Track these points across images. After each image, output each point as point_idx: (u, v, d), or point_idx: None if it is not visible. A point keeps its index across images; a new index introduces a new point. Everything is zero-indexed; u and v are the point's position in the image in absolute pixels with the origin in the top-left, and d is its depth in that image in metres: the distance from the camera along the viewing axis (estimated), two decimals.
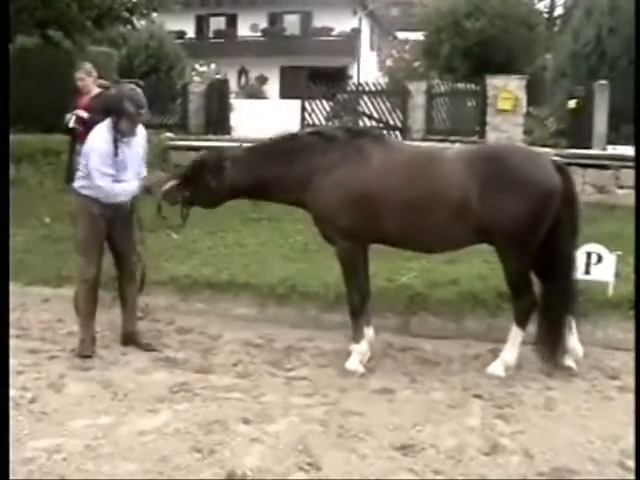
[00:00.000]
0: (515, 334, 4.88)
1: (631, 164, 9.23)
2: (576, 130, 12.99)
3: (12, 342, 5.20)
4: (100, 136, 4.90)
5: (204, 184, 4.86)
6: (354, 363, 4.90)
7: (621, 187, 9.58)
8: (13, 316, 5.81)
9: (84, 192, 4.98)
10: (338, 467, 3.60)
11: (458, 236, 4.79)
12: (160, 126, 13.49)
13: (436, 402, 4.46)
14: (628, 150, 11.81)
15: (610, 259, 5.78)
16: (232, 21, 32.26)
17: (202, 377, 4.71)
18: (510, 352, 4.90)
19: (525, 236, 4.66)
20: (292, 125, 12.64)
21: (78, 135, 7.06)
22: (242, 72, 25.51)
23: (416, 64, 20.37)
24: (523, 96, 12.86)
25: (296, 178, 4.82)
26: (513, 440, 3.96)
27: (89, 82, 7.45)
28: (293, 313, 5.82)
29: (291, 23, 32.08)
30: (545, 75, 17.20)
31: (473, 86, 14.44)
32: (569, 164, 9.50)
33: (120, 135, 4.86)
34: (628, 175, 9.54)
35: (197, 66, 20.17)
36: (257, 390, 4.52)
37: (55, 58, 11.43)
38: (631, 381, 4.79)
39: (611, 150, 12.18)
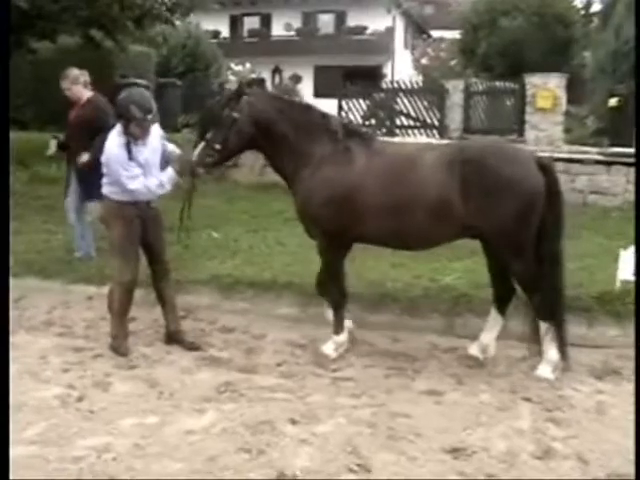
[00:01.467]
0: (546, 330, 4.79)
1: None
2: (617, 128, 12.75)
3: (56, 340, 5.34)
4: (114, 143, 4.89)
5: (225, 121, 4.79)
6: (329, 349, 5.06)
7: None
8: (56, 314, 5.93)
9: (114, 197, 5.01)
10: (388, 469, 3.56)
11: (440, 235, 4.86)
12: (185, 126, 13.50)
13: (484, 404, 4.39)
14: None
15: None
16: (266, 20, 32.39)
17: (247, 377, 4.69)
18: (551, 351, 4.81)
19: (515, 237, 4.64)
20: None
21: (69, 152, 6.93)
22: (276, 71, 25.52)
23: (452, 62, 20.17)
24: (563, 94, 12.63)
25: (293, 151, 4.89)
26: (565, 445, 3.88)
27: (77, 90, 6.81)
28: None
29: (325, 22, 32.07)
30: (584, 73, 16.92)
31: (511, 84, 14.23)
32: (612, 163, 9.45)
33: (133, 138, 4.87)
34: None
35: (232, 65, 20.23)
36: (303, 391, 4.49)
37: (95, 58, 11.50)
38: None
39: None
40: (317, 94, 28.18)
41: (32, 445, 3.65)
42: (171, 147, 5.23)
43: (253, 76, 20.97)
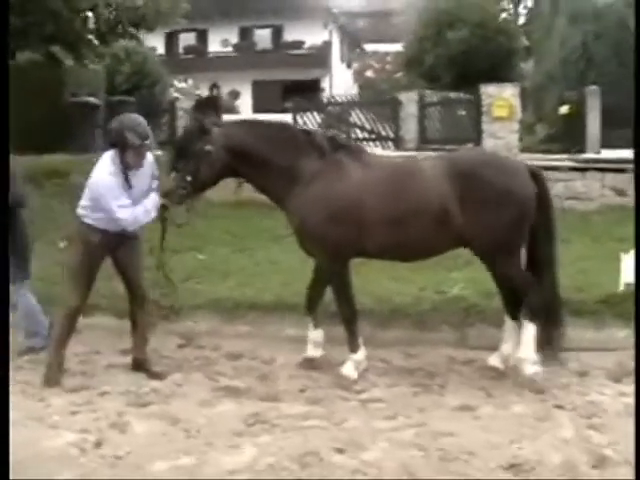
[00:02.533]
0: (529, 330, 4.79)
1: None
2: (569, 135, 13.06)
3: None
4: (105, 170, 4.64)
5: (198, 153, 4.64)
6: (350, 369, 4.93)
7: None
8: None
9: (86, 220, 4.76)
10: None
11: (438, 245, 4.90)
12: None
13: (522, 416, 4.30)
14: (623, 153, 11.92)
15: None
16: (202, 36, 32.00)
17: (272, 406, 4.44)
18: (530, 349, 4.79)
19: (508, 244, 4.76)
20: None
21: None
22: (214, 87, 25.19)
23: (398, 75, 20.34)
24: (517, 103, 12.87)
25: (279, 171, 4.79)
26: (614, 451, 3.80)
27: None
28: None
29: (262, 37, 31.88)
30: (524, 82, 17.30)
31: (464, 95, 14.42)
32: (587, 169, 9.68)
33: (126, 167, 4.64)
34: None
35: (176, 82, 19.85)
36: (335, 416, 4.28)
37: (48, 76, 10.98)
38: None
39: (605, 154, 12.28)
40: (256, 109, 27.98)
41: None
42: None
43: (198, 92, 20.68)
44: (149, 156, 4.84)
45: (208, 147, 4.65)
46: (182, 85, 20.23)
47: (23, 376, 4.90)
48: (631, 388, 4.66)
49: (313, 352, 5.19)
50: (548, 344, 4.89)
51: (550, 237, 4.92)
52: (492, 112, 12.81)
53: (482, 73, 16.80)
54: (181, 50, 32.18)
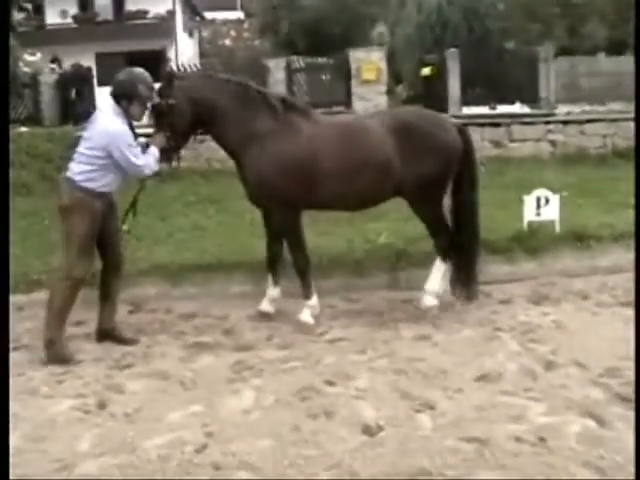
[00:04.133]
0: (438, 267, 5.48)
1: (518, 120, 10.39)
2: (431, 95, 14.03)
3: (14, 355, 4.85)
4: (114, 120, 4.68)
5: (165, 108, 4.87)
6: (307, 315, 5.30)
7: (513, 141, 10.70)
8: None
9: (88, 185, 4.71)
10: (443, 403, 3.88)
11: (383, 194, 5.40)
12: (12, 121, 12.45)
13: (471, 339, 4.91)
14: (481, 110, 13.10)
15: (555, 200, 6.55)
16: (39, 9, 30.02)
17: (250, 354, 4.73)
18: (435, 283, 5.47)
19: (436, 189, 5.38)
20: None
21: None
22: (54, 61, 23.86)
23: (256, 42, 20.47)
24: (384, 66, 13.61)
25: (236, 125, 5.06)
26: (558, 356, 4.49)
27: None
28: (288, 284, 5.87)
29: (103, 7, 30.45)
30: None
31: (329, 60, 14.94)
32: (468, 124, 10.52)
33: (132, 119, 4.80)
34: (518, 130, 10.76)
35: (26, 56, 18.68)
36: (312, 356, 4.65)
37: None
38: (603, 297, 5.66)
39: (466, 110, 13.39)
40: (100, 82, 26.88)
41: (100, 457, 3.42)
42: None
43: (52, 66, 19.62)
44: None
45: (171, 101, 4.87)
46: (32, 59, 19.04)
47: None
48: (550, 309, 5.48)
49: (268, 308, 5.49)
50: (469, 280, 5.55)
51: (473, 185, 5.53)
52: (361, 75, 13.46)
53: (336, 39, 17.42)
54: (15, 24, 29.96)
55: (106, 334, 5.07)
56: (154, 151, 4.85)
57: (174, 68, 19.85)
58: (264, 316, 5.46)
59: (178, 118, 4.92)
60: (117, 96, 4.74)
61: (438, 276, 5.47)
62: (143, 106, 4.80)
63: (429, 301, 5.45)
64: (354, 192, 5.23)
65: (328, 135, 5.22)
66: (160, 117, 4.93)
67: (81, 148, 4.78)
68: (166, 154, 4.97)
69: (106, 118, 4.71)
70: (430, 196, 5.34)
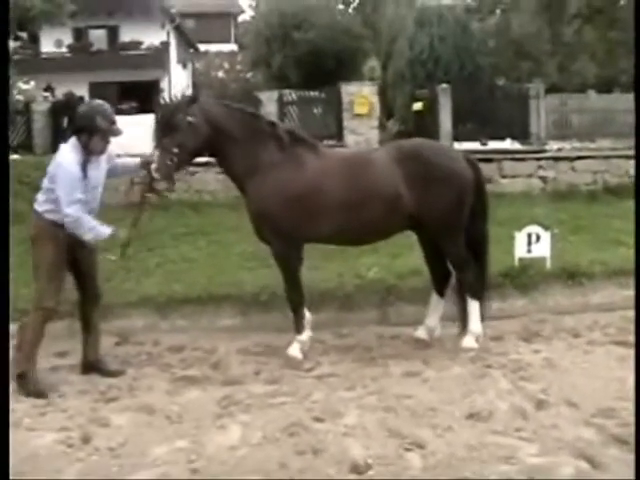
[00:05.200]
0: (473, 306, 5.41)
1: (510, 156, 10.46)
2: (422, 130, 14.14)
3: None
4: (68, 157, 4.61)
5: (182, 125, 4.80)
6: (295, 350, 5.23)
7: (504, 177, 10.78)
8: None
9: (49, 216, 4.68)
10: (434, 441, 3.82)
11: (391, 227, 5.33)
12: None
13: (461, 376, 4.84)
14: (472, 145, 13.20)
15: (546, 237, 6.56)
16: (34, 37, 30.21)
17: (237, 389, 4.66)
18: (476, 323, 5.41)
19: (452, 223, 5.28)
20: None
21: None
22: (48, 89, 23.98)
23: (248, 74, 20.65)
24: (376, 101, 13.75)
25: (245, 154, 5.04)
26: (548, 395, 4.42)
27: None
28: (279, 318, 5.84)
29: (98, 37, 30.74)
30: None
31: (320, 93, 15.08)
32: None
33: (90, 155, 4.65)
34: (509, 166, 10.84)
35: (21, 84, 18.76)
36: (300, 392, 4.58)
37: None
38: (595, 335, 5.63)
39: (457, 146, 13.49)
40: None
41: None
42: (129, 160, 5.03)
43: (46, 95, 19.68)
44: (109, 151, 4.87)
45: (191, 118, 4.81)
46: (26, 87, 19.14)
47: None
48: (541, 346, 5.44)
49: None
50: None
51: (484, 217, 5.48)
52: (353, 109, 13.58)
53: (328, 73, 17.61)
54: (11, 52, 30.16)
55: (91, 366, 5.00)
56: (102, 230, 4.66)
57: (167, 99, 19.91)
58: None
59: (192, 137, 4.86)
60: (77, 130, 4.67)
61: (477, 315, 5.37)
62: (104, 139, 4.68)
63: (470, 343, 5.34)
64: (359, 225, 5.16)
65: (332, 168, 5.18)
66: (172, 133, 4.82)
67: (45, 180, 4.76)
68: (166, 171, 4.82)
69: (62, 153, 4.65)
70: (448, 229, 5.25)
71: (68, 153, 4.62)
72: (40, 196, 4.75)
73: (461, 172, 5.24)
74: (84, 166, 4.61)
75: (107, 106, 4.79)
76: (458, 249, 5.35)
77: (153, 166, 4.79)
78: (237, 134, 5.03)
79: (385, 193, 5.08)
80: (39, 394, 4.56)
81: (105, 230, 4.67)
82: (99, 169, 4.77)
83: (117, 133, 4.76)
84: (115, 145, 4.96)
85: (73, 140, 4.66)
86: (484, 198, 5.48)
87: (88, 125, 4.59)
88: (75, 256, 4.82)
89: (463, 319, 5.52)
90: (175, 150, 4.81)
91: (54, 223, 4.65)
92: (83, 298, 5.01)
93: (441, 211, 5.15)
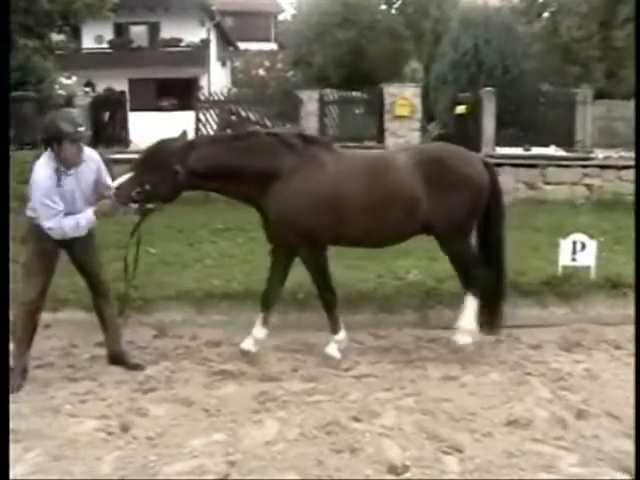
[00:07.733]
0: (471, 303, 5.34)
1: (554, 163, 10.31)
2: (463, 133, 14.00)
3: (38, 373, 4.89)
4: (43, 169, 4.54)
5: (166, 170, 4.67)
6: (333, 349, 5.21)
7: (548, 183, 10.62)
8: None
9: (34, 222, 4.68)
10: (473, 446, 3.79)
11: (409, 231, 5.29)
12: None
13: (500, 383, 4.80)
14: (514, 150, 13.05)
15: (592, 245, 6.44)
16: (75, 33, 30.73)
17: (274, 385, 4.68)
18: (469, 320, 5.33)
19: (464, 226, 5.30)
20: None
21: None
22: (88, 85, 24.36)
23: (289, 74, 20.72)
24: (418, 103, 13.66)
25: (254, 175, 4.92)
26: (589, 406, 4.38)
27: None
28: (315, 317, 5.83)
29: (138, 34, 31.11)
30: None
31: (362, 94, 15.04)
32: (502, 164, 10.53)
33: (64, 165, 4.53)
34: (553, 173, 10.69)
35: (62, 79, 19.07)
36: (338, 391, 4.59)
37: None
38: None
39: (499, 150, 13.35)
40: (133, 108, 27.32)
41: None
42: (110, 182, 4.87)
43: (87, 90, 20.01)
44: (92, 153, 4.81)
45: (177, 167, 4.68)
46: (68, 82, 19.45)
47: None
48: (581, 356, 5.35)
49: (251, 347, 5.26)
50: (492, 320, 5.46)
51: (500, 221, 5.44)
52: (394, 111, 13.51)
53: (369, 73, 17.54)
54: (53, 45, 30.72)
55: (115, 358, 5.06)
56: (84, 219, 4.61)
57: (206, 95, 20.14)
58: (244, 354, 5.23)
59: (170, 185, 4.70)
60: (46, 142, 4.55)
61: (471, 312, 5.35)
62: (75, 145, 4.48)
63: (463, 339, 5.34)
64: (380, 228, 5.15)
65: (352, 169, 5.13)
66: (154, 171, 4.66)
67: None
68: (125, 199, 4.65)
69: (35, 169, 4.58)
70: (459, 232, 5.26)
71: (41, 169, 4.54)
72: (29, 203, 4.72)
73: (476, 176, 5.22)
74: (59, 175, 4.52)
75: (73, 112, 4.85)
76: (464, 250, 5.35)
77: (115, 185, 4.66)
78: (240, 163, 4.87)
79: (403, 196, 5.07)
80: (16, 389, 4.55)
81: (88, 216, 4.61)
82: (80, 178, 4.66)
83: (84, 139, 4.60)
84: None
85: (47, 153, 4.57)
86: (500, 203, 5.45)
87: (53, 133, 4.47)
88: (71, 255, 4.89)
89: (485, 323, 5.45)
90: (147, 187, 4.66)
91: (38, 227, 4.63)
92: (92, 293, 5.07)
93: (453, 214, 5.14)
